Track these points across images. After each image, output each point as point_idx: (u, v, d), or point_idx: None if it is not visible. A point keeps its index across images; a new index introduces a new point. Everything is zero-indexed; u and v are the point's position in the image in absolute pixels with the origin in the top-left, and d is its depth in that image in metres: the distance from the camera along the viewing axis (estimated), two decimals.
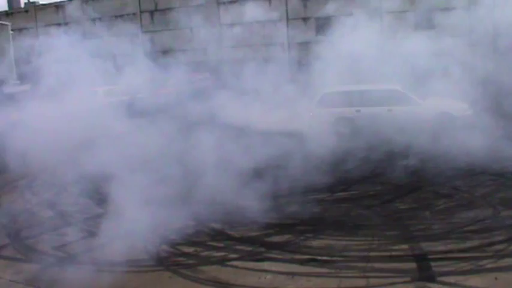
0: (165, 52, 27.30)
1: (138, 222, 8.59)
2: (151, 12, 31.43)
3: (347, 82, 17.52)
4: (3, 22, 30.73)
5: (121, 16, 30.49)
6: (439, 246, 8.16)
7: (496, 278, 7.07)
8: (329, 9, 21.63)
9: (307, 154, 13.17)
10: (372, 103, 17.01)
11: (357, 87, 17.73)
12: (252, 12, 22.17)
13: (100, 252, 8.39)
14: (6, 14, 37.50)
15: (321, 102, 17.71)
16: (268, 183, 10.90)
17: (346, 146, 14.45)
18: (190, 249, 8.68)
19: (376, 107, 16.92)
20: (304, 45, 25.52)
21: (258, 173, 11.40)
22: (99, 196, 11.45)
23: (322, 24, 23.73)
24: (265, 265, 7.95)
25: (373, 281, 7.24)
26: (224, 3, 28.37)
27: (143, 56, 18.40)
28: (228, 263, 8.11)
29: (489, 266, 7.43)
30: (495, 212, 9.58)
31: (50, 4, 35.94)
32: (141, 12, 31.65)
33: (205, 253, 8.55)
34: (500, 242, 8.18)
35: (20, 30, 34.03)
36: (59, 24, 30.32)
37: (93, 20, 27.73)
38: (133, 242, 8.47)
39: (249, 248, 8.64)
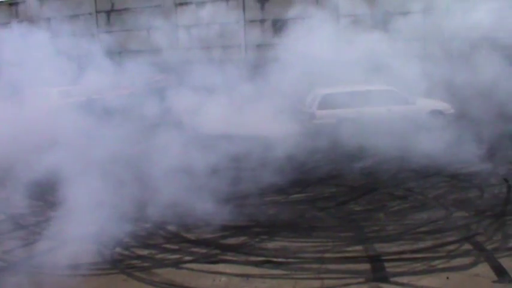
0: (121, 53, 26.95)
1: (91, 225, 8.46)
2: (108, 13, 31.02)
3: (306, 85, 17.47)
4: None
5: (76, 16, 29.95)
6: (393, 247, 8.27)
7: (447, 278, 7.18)
8: (287, 11, 21.63)
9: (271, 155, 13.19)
10: (372, 103, 16.86)
11: (357, 87, 17.51)
12: (209, 14, 22.12)
13: (52, 256, 8.17)
14: None
15: (322, 103, 17.58)
16: (225, 185, 10.87)
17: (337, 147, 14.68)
18: (145, 252, 8.58)
19: (377, 107, 16.87)
20: (262, 47, 25.53)
21: (215, 175, 11.35)
22: (52, 199, 11.21)
23: (280, 27, 23.79)
24: (220, 267, 7.90)
25: (327, 282, 7.27)
26: (181, 4, 28.16)
27: (100, 56, 18.09)
28: (183, 266, 8.03)
29: (441, 266, 7.55)
30: (447, 213, 9.76)
31: (3, 2, 35.11)
32: (97, 12, 31.19)
33: (160, 256, 8.47)
34: (452, 243, 8.33)
35: None
36: (12, 22, 29.63)
37: (48, 18, 27.15)
38: (87, 245, 8.33)
39: (204, 250, 8.59)
